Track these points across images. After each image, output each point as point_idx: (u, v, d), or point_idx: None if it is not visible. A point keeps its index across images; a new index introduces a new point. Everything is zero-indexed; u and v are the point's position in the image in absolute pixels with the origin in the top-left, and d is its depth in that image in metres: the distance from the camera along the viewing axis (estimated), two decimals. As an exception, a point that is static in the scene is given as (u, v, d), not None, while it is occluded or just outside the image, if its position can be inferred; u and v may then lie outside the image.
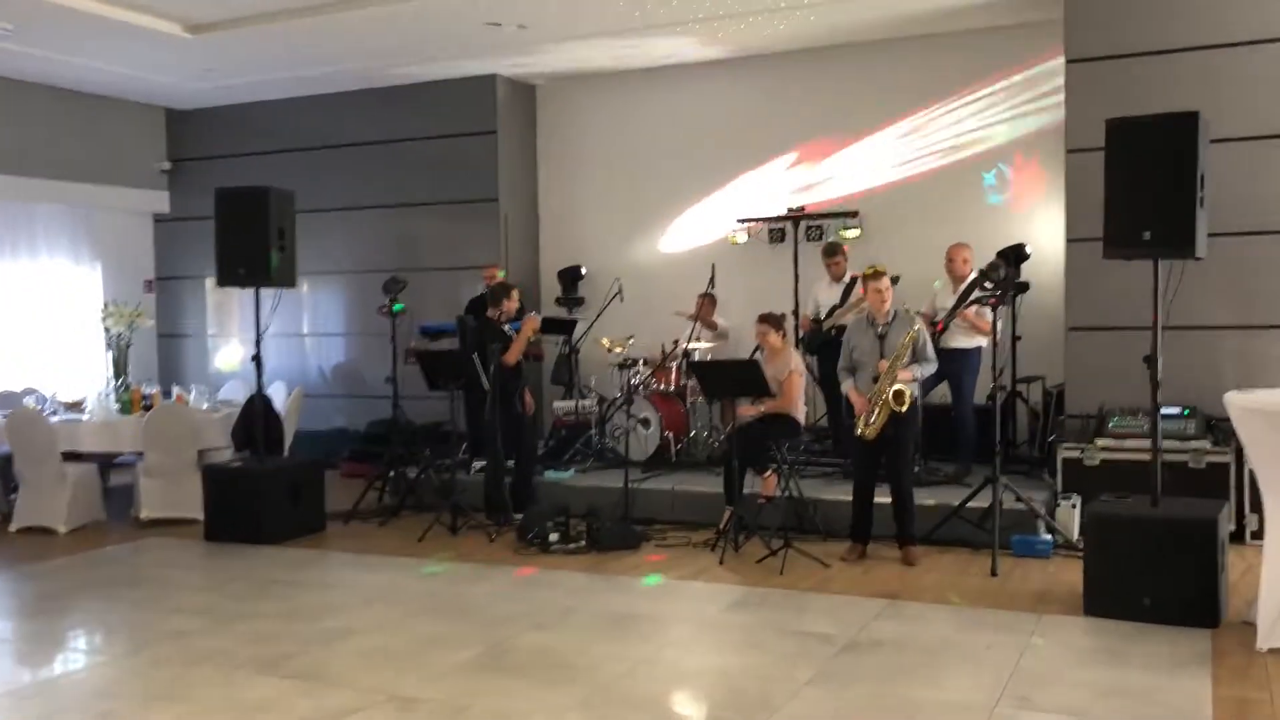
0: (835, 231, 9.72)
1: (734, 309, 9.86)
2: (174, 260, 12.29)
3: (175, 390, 9.45)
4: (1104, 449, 7.43)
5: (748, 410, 7.46)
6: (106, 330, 9.36)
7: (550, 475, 8.64)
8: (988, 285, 7.01)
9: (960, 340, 8.13)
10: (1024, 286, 8.75)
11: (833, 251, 9.10)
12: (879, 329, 6.79)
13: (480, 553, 7.29)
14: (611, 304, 9.85)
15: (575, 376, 10.12)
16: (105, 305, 9.44)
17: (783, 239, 10.01)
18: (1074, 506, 7.18)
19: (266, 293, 8.00)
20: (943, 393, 8.58)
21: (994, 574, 6.46)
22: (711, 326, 9.64)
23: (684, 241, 10.60)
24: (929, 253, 8.61)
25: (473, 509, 8.00)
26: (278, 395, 9.87)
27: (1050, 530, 7.05)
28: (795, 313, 9.62)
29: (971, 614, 5.72)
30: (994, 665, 4.90)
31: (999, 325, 7.59)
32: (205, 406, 9.30)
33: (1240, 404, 5.14)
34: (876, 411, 6.63)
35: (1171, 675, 4.77)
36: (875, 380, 6.70)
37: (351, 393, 11.69)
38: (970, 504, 7.09)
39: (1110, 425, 7.52)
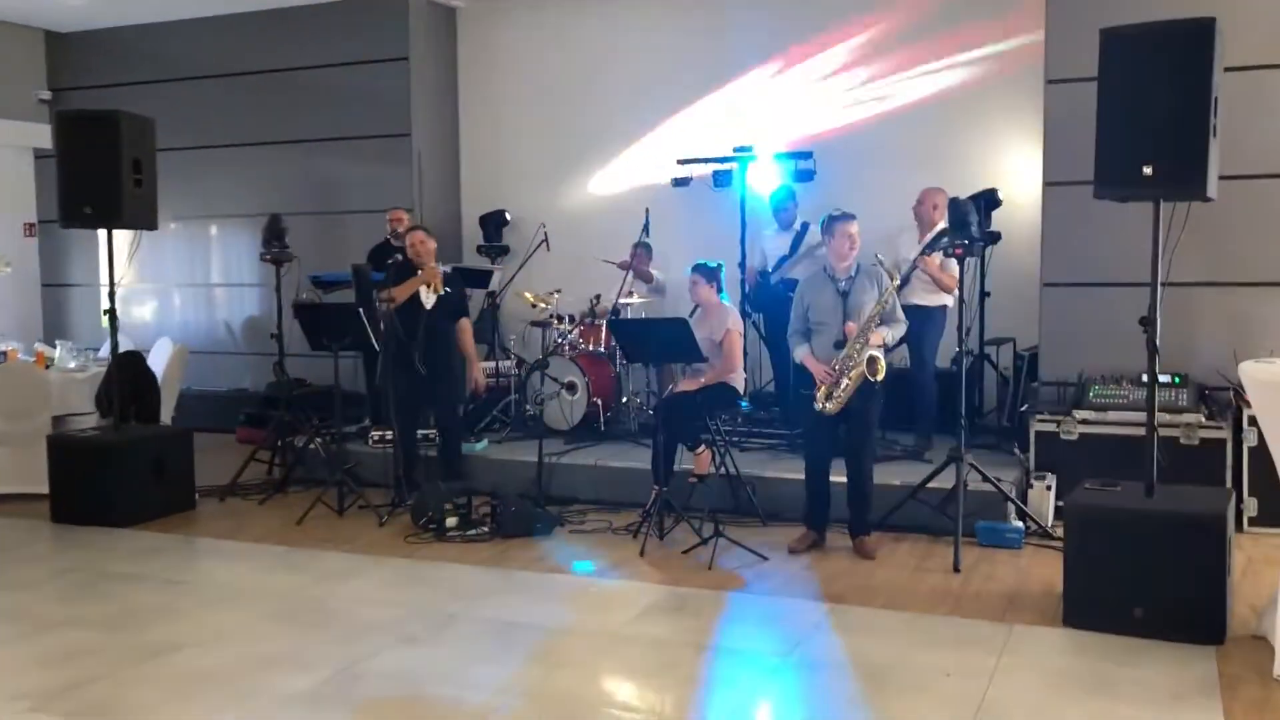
0: (787, 174, 8.69)
1: (674, 260, 8.85)
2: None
3: (37, 346, 8.32)
4: (1083, 421, 6.50)
5: (688, 385, 6.46)
6: (-45, 279, 8.21)
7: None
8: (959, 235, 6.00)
9: (922, 296, 7.15)
10: (995, 236, 7.80)
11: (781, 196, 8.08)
12: (840, 284, 5.76)
13: (362, 540, 6.28)
14: (537, 253, 8.84)
15: (497, 334, 9.10)
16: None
17: (729, 182, 8.97)
18: (1049, 488, 6.28)
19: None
20: (901, 355, 7.63)
21: (956, 569, 5.54)
22: (646, 278, 8.63)
23: (621, 184, 9.52)
24: (890, 199, 7.61)
25: (372, 485, 7.01)
26: (162, 352, 8.78)
27: (1021, 515, 6.14)
28: (742, 264, 8.62)
29: (929, 624, 4.79)
30: (954, 698, 3.97)
31: (965, 280, 6.68)
32: (72, 365, 8.20)
33: (1263, 378, 4.20)
34: (847, 383, 5.64)
35: (1172, 710, 3.86)
36: (838, 346, 5.69)
37: (260, 350, 10.57)
38: (931, 484, 6.16)
39: (1090, 395, 6.59)
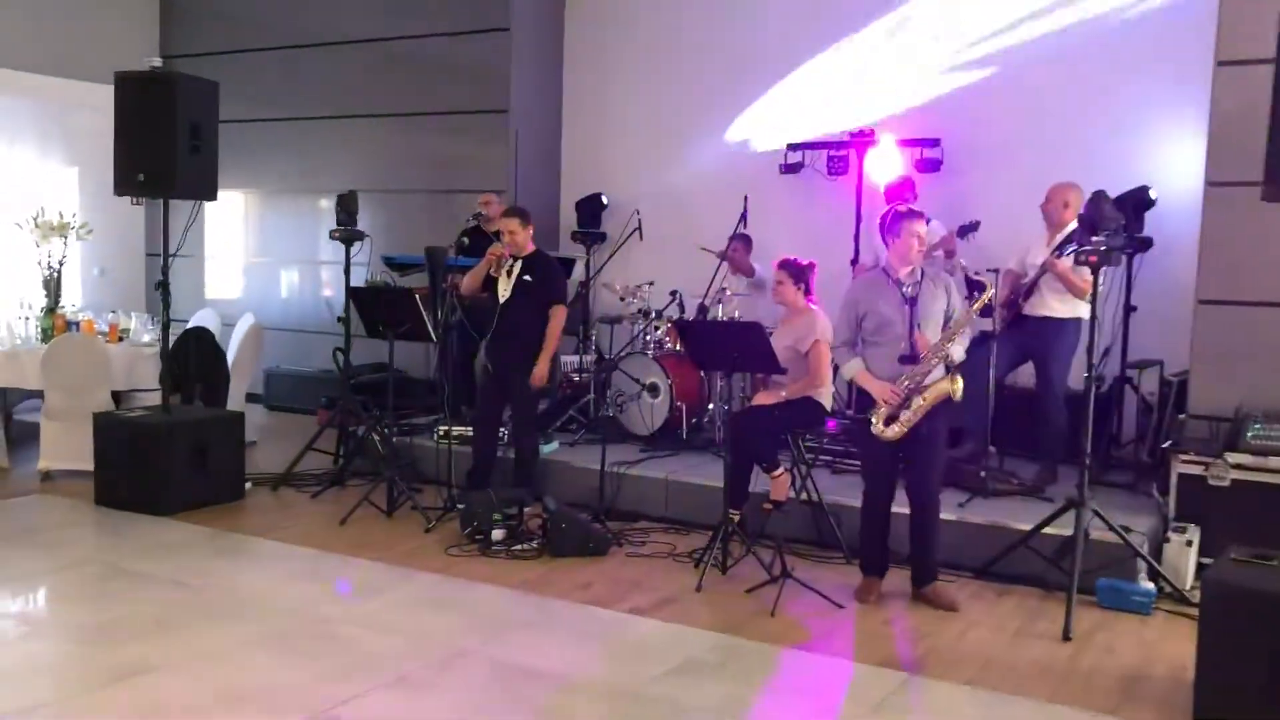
0: (909, 162, 7.81)
1: (780, 254, 8.09)
2: (167, 170, 10.91)
3: (110, 317, 8.08)
4: (1237, 466, 5.47)
5: (765, 398, 5.72)
6: (36, 245, 8.01)
7: (526, 449, 7.01)
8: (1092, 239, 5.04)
9: (1054, 306, 6.23)
10: (1144, 243, 6.80)
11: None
12: (905, 289, 4.93)
13: (402, 547, 5.74)
14: (633, 243, 8.20)
15: (583, 327, 8.48)
16: (34, 217, 8.03)
17: (845, 169, 8.12)
18: (1189, 543, 5.29)
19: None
20: (1026, 374, 6.72)
21: (1067, 637, 4.65)
22: (747, 272, 7.88)
23: (727, 169, 8.72)
24: (1025, 195, 6.66)
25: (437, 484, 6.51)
26: (244, 328, 8.49)
27: (1153, 575, 5.18)
28: (854, 262, 7.82)
29: (1022, 712, 3.93)
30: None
31: (1102, 290, 5.75)
32: (146, 339, 7.93)
33: None
34: (920, 403, 4.82)
35: None
36: (903, 360, 4.86)
37: (355, 330, 10.23)
38: (1046, 529, 5.26)
39: (1248, 434, 5.54)
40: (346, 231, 7.10)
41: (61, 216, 8.15)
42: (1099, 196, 4.99)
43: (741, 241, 7.97)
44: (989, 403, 6.19)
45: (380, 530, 6.05)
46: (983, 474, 6.03)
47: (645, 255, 8.44)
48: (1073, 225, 5.93)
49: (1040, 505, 5.72)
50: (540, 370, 6.29)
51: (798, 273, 5.72)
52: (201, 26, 10.61)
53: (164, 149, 6.18)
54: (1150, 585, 5.07)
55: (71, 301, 9.04)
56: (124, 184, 6.33)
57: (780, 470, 5.68)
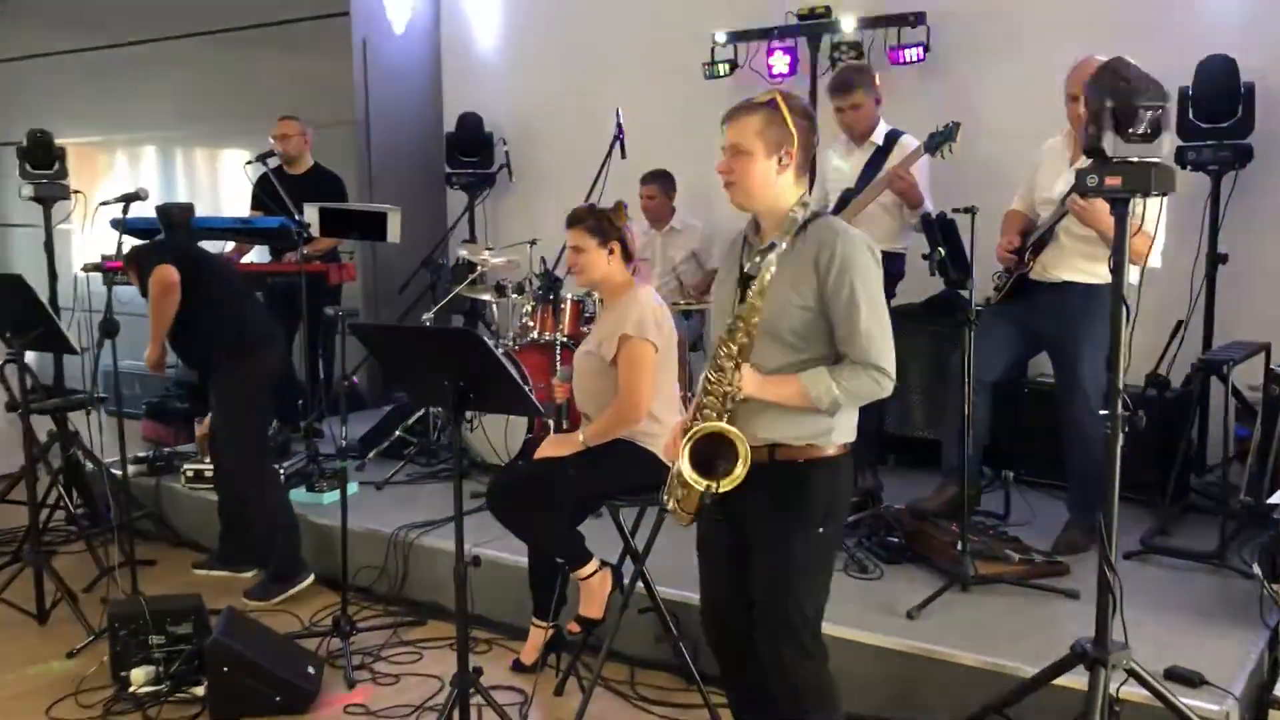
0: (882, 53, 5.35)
1: (719, 199, 5.69)
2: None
3: None
4: None
5: (555, 448, 3.35)
6: None
7: (299, 498, 4.75)
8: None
9: (1080, 265, 3.79)
10: (1240, 154, 4.35)
11: (846, 86, 4.65)
12: (749, 259, 2.43)
13: (11, 688, 3.58)
14: (533, 188, 5.95)
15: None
16: None
17: (795, 69, 5.66)
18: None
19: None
20: (1042, 366, 4.34)
21: None
22: (659, 222, 5.58)
23: (641, 79, 6.25)
24: (1044, 91, 4.15)
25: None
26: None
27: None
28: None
29: None
30: None
31: (1158, 234, 3.31)
32: None
33: None
34: (678, 477, 2.42)
35: None
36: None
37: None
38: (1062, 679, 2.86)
39: None
40: (42, 186, 4.90)
41: None
42: (1115, 68, 2.51)
43: (657, 182, 5.63)
44: (965, 421, 3.73)
45: (7, 651, 3.89)
46: (958, 548, 3.62)
47: (545, 204, 6.13)
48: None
49: (1061, 605, 3.34)
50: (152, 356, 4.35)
51: (598, 225, 3.28)
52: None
53: None
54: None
55: None
56: None
57: (592, 568, 3.31)
